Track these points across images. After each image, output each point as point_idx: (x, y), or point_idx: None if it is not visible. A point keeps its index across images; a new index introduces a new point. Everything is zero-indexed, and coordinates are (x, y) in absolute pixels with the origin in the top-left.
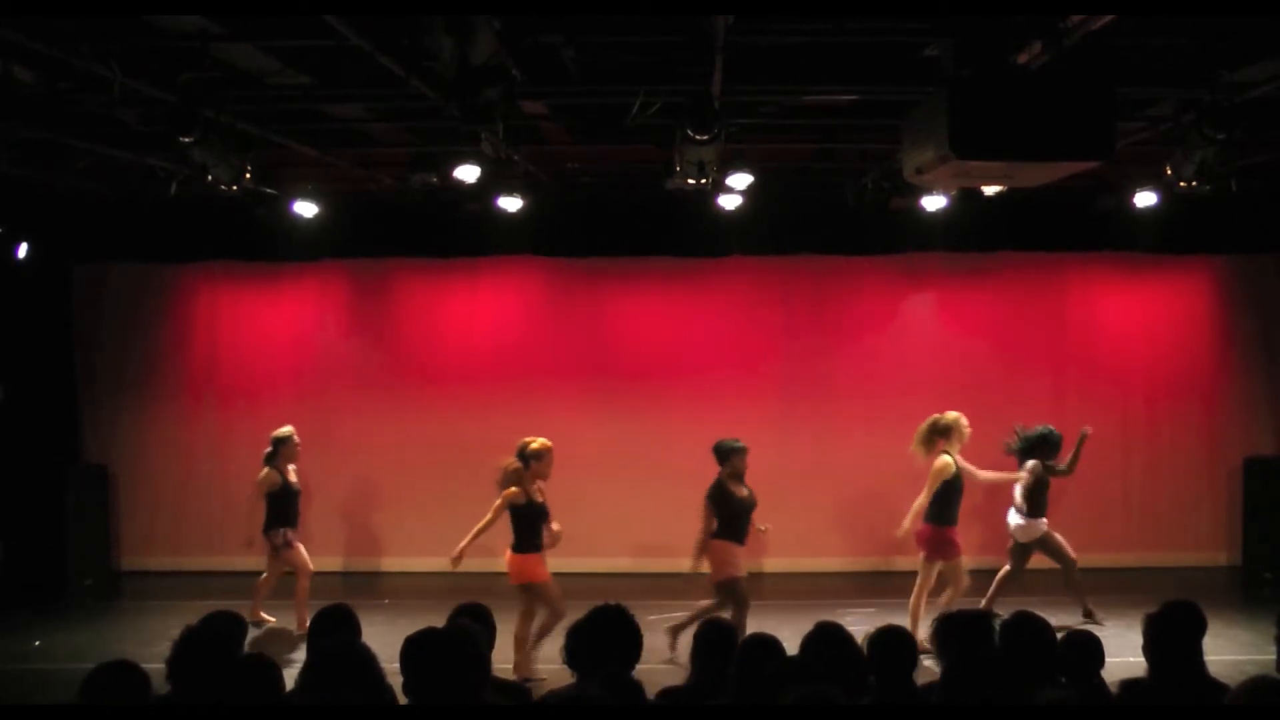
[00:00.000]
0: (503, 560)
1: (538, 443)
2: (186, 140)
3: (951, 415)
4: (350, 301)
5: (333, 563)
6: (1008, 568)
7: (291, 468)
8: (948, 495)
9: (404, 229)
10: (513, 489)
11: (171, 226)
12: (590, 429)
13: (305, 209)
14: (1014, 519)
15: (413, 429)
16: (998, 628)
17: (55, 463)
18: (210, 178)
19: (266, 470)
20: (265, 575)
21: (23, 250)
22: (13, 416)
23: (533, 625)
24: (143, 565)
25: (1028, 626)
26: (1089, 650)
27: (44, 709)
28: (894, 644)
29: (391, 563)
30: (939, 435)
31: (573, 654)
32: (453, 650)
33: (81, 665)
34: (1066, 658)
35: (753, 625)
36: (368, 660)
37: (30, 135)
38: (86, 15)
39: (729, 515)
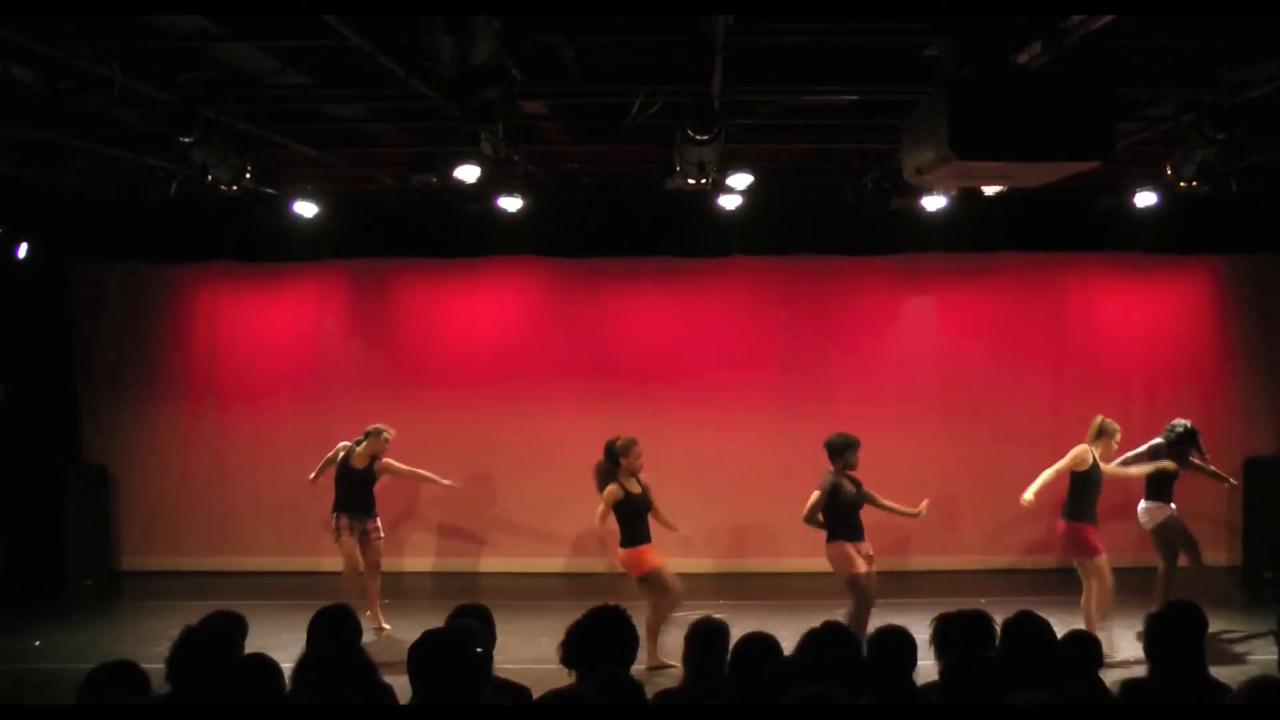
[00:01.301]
0: (501, 561)
1: (622, 439)
2: (186, 140)
3: (1106, 421)
4: (350, 301)
5: (332, 563)
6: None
7: (372, 456)
8: (1081, 491)
9: (404, 229)
10: (610, 487)
11: (171, 226)
12: (590, 429)
13: (305, 209)
14: (1140, 505)
15: (413, 429)
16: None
17: (55, 463)
18: (210, 178)
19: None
20: (364, 577)
21: (23, 250)
22: (13, 416)
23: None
24: (143, 565)
25: (1028, 626)
26: (1089, 650)
27: (44, 709)
28: (894, 644)
29: (392, 563)
30: (1098, 436)
31: (570, 654)
32: (454, 650)
33: (81, 665)
34: (1066, 658)
35: (751, 625)
36: (362, 661)
37: (30, 135)
38: (86, 15)
39: (836, 513)
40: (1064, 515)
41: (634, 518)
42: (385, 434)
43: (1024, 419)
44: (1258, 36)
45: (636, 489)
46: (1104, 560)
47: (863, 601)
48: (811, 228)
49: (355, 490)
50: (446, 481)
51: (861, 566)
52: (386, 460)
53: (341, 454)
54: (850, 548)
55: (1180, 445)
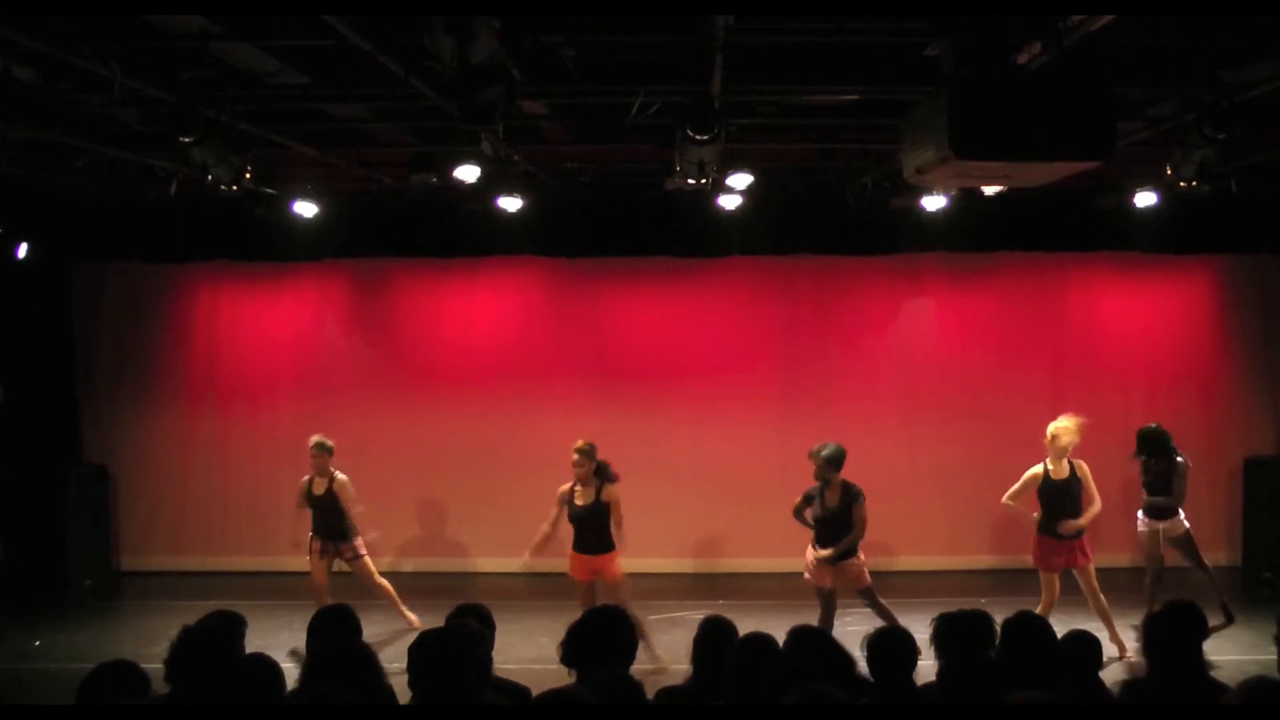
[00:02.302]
0: (500, 561)
1: (578, 442)
2: (186, 140)
3: (1051, 426)
4: (350, 301)
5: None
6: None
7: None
8: (1042, 503)
9: (404, 229)
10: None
11: (171, 226)
12: (590, 429)
13: (305, 209)
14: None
15: (412, 429)
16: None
17: (55, 463)
18: (210, 178)
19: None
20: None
21: (23, 250)
22: (13, 416)
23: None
24: (143, 565)
25: (1028, 626)
26: (1088, 650)
27: (44, 709)
28: (894, 644)
29: (391, 563)
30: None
31: (570, 654)
32: (455, 650)
33: (81, 665)
34: (1067, 658)
35: (751, 625)
36: (366, 659)
37: (30, 135)
38: (86, 15)
39: (814, 523)
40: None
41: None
42: (312, 444)
43: (1024, 419)
44: (1258, 36)
45: (579, 500)
46: (1045, 579)
47: (820, 607)
48: (811, 228)
49: (318, 514)
50: (367, 536)
51: (823, 581)
52: (340, 478)
53: (304, 480)
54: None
55: (1138, 449)
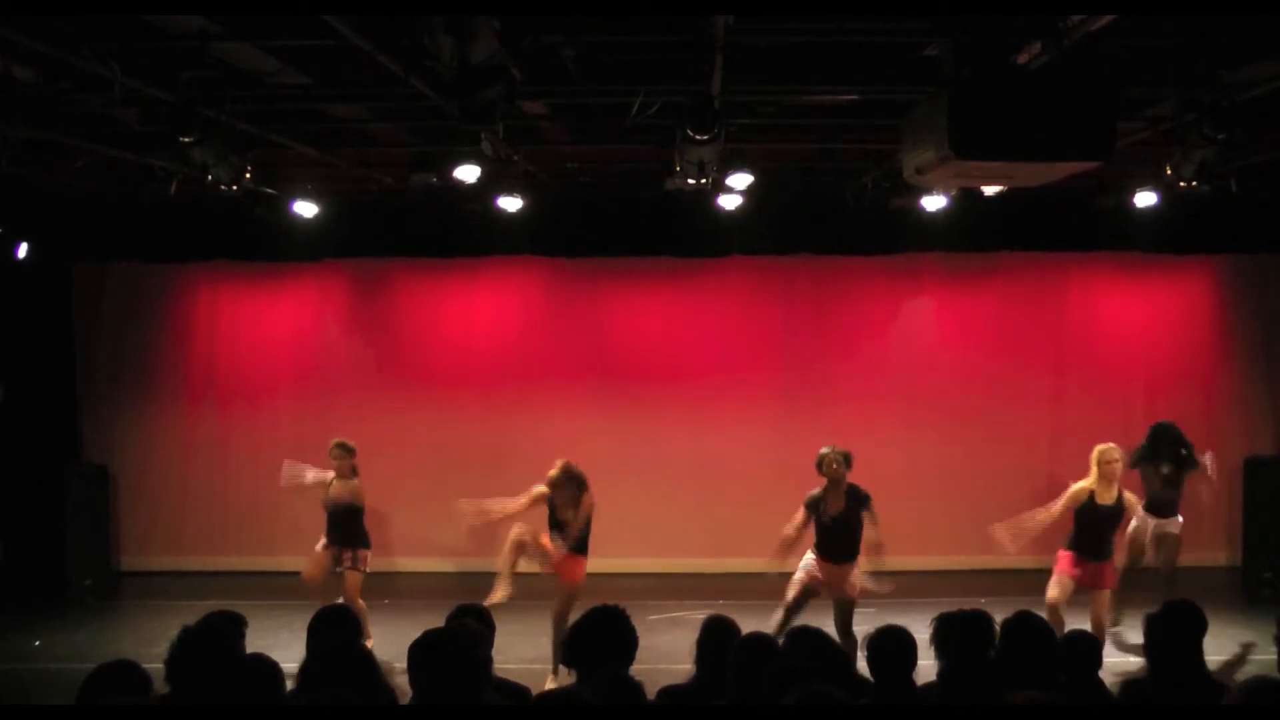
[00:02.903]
0: (497, 561)
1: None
2: (186, 140)
3: (1102, 449)
4: (350, 301)
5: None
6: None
7: (330, 476)
8: (1078, 525)
9: (404, 229)
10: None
11: (171, 226)
12: (589, 429)
13: (305, 209)
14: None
15: (412, 429)
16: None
17: (55, 463)
18: (210, 178)
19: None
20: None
21: (23, 250)
22: (13, 416)
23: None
24: (143, 565)
25: (1028, 626)
26: (1088, 650)
27: (44, 709)
28: (894, 644)
29: (391, 563)
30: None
31: (570, 654)
32: (455, 650)
33: (81, 665)
34: (1066, 658)
35: (751, 625)
36: (365, 660)
37: (30, 135)
38: (86, 15)
39: (816, 528)
40: None
41: None
42: (333, 446)
43: (1024, 419)
44: (1258, 36)
45: (562, 513)
46: (1058, 579)
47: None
48: (811, 228)
49: (333, 518)
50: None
51: (819, 587)
52: (354, 483)
53: (326, 483)
54: (818, 562)
55: (1154, 448)
